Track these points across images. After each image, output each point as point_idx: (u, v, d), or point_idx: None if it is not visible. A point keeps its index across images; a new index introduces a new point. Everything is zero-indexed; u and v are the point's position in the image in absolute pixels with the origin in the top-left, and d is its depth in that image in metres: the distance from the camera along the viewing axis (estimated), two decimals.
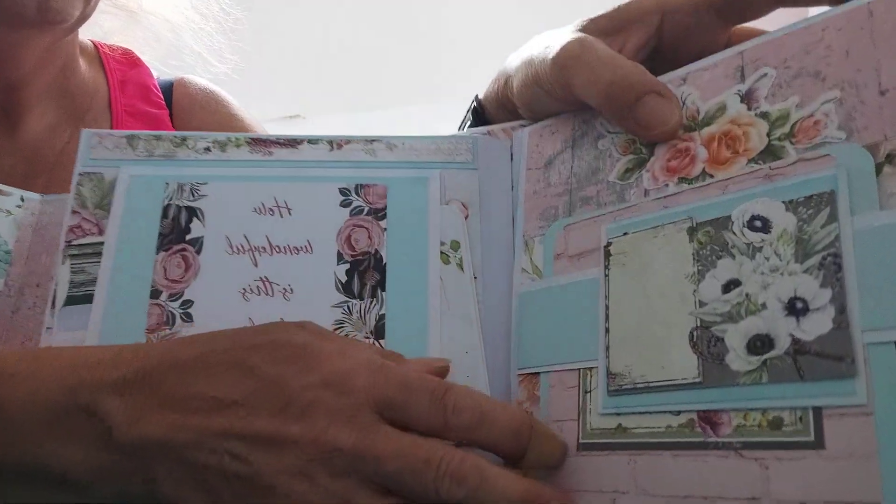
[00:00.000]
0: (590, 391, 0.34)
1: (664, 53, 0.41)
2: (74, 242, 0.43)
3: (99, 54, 0.72)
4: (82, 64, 0.69)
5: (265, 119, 0.79)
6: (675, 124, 0.36)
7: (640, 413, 0.32)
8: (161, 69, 0.76)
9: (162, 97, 0.73)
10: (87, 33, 0.72)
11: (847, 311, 0.27)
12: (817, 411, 0.27)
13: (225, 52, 0.76)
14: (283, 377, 0.31)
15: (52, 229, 0.46)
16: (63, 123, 0.67)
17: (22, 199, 0.47)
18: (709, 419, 0.30)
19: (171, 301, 0.41)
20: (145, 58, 0.75)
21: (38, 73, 0.62)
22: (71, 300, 0.42)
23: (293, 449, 0.30)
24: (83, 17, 0.58)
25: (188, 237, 0.42)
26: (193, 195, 0.43)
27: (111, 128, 0.68)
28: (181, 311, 0.41)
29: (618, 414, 0.33)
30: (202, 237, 0.42)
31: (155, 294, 0.41)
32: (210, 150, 0.44)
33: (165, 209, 0.43)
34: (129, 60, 0.74)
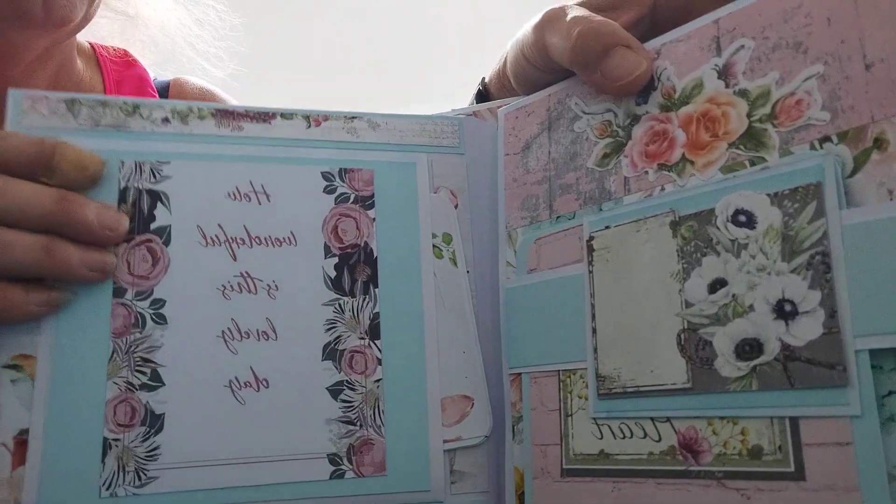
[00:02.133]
0: (571, 392, 0.33)
1: (660, 32, 0.38)
2: None
3: (96, 55, 0.71)
4: (79, 64, 0.68)
5: None
6: (641, 74, 0.34)
7: (631, 419, 0.31)
8: (159, 73, 0.74)
9: (157, 96, 0.71)
10: (85, 37, 0.70)
11: (838, 315, 0.26)
12: (796, 440, 0.26)
13: (222, 56, 0.74)
14: None
15: None
16: None
17: None
18: (689, 447, 0.29)
19: (138, 300, 0.37)
20: (143, 62, 0.73)
21: (35, 72, 0.61)
22: None
23: None
24: (86, 19, 0.57)
25: (153, 226, 0.37)
26: (155, 176, 0.38)
27: None
28: (152, 311, 0.37)
29: (608, 419, 0.32)
30: (169, 226, 0.38)
31: (119, 292, 0.36)
32: (169, 122, 0.39)
33: (123, 192, 0.37)
34: (126, 60, 0.72)
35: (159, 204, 0.38)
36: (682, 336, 0.30)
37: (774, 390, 0.27)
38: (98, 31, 0.70)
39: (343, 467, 0.37)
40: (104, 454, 0.35)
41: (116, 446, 0.35)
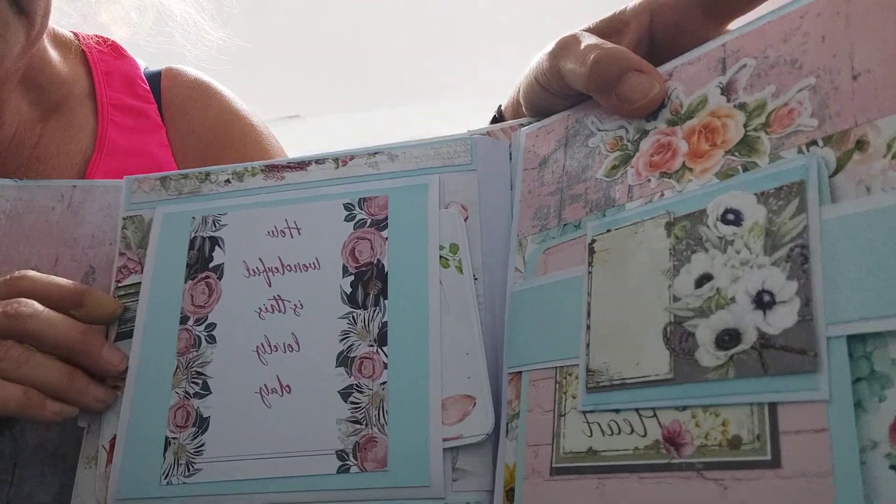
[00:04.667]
0: (566, 392, 0.34)
1: (659, 53, 0.40)
2: (122, 283, 0.46)
3: (81, 45, 0.69)
4: (55, 55, 0.66)
5: (264, 119, 0.77)
6: (655, 96, 0.36)
7: (615, 411, 0.32)
8: (152, 42, 0.72)
9: (149, 89, 0.70)
10: (75, 10, 0.68)
11: (812, 303, 0.26)
12: (774, 429, 0.26)
13: (218, 23, 0.72)
14: None
15: (29, 217, 0.48)
16: (36, 117, 0.64)
17: None
18: (673, 440, 0.29)
19: (196, 325, 0.44)
20: (134, 32, 0.71)
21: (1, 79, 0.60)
22: (120, 336, 0.46)
23: None
24: (31, 43, 0.55)
25: (211, 265, 0.45)
26: (215, 226, 0.46)
27: (95, 119, 0.67)
28: (206, 333, 0.44)
29: (595, 412, 0.33)
30: (223, 264, 0.45)
31: (183, 320, 0.44)
32: (230, 182, 0.47)
33: (192, 241, 0.46)
34: (114, 51, 0.71)
35: (216, 247, 0.46)
36: (668, 329, 0.31)
37: (749, 377, 0.27)
38: (87, 5, 0.68)
39: (349, 462, 0.39)
40: (165, 450, 0.41)
41: (174, 443, 0.42)
